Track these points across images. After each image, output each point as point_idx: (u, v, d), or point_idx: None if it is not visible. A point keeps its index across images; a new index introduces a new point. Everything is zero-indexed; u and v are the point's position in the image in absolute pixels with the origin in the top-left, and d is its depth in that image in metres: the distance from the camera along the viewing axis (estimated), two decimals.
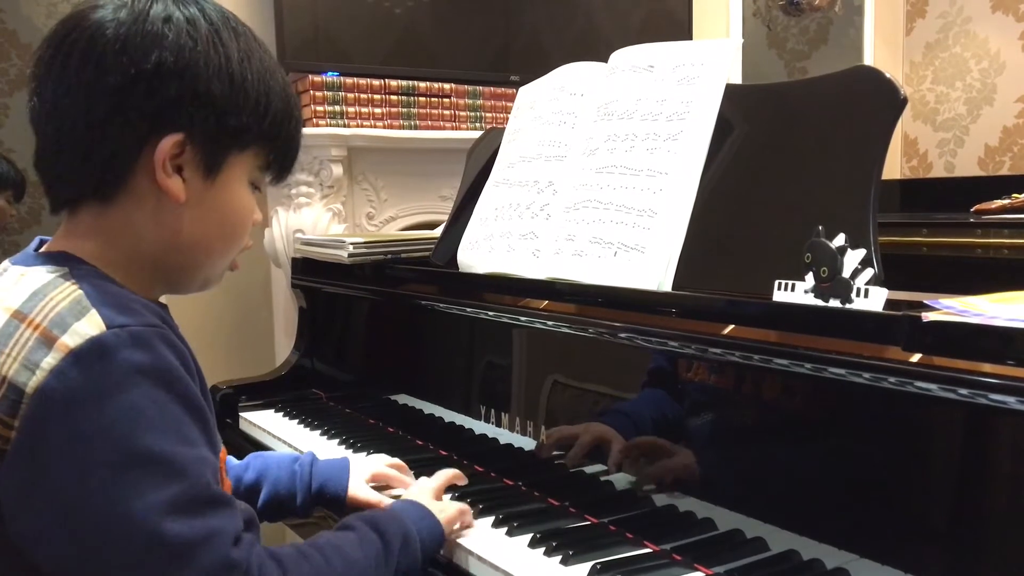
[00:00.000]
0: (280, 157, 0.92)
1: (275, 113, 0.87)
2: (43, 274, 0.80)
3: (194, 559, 0.73)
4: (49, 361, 0.73)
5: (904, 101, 0.98)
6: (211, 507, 0.76)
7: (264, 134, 0.88)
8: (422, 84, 2.54)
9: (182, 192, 0.83)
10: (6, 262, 0.87)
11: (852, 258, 0.86)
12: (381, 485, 1.20)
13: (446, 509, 1.03)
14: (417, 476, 1.21)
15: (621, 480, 1.09)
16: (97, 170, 0.81)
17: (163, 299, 0.91)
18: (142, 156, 0.81)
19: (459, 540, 1.02)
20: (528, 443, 1.23)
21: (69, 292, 0.77)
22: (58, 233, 0.86)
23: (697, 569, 0.92)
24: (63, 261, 0.82)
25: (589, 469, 1.13)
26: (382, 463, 1.22)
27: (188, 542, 0.73)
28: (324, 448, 1.40)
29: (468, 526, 1.05)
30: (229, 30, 0.85)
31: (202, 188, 0.85)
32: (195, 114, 0.82)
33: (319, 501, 1.16)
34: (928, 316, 0.77)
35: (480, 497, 1.12)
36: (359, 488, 1.16)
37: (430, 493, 1.08)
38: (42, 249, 0.86)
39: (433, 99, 2.56)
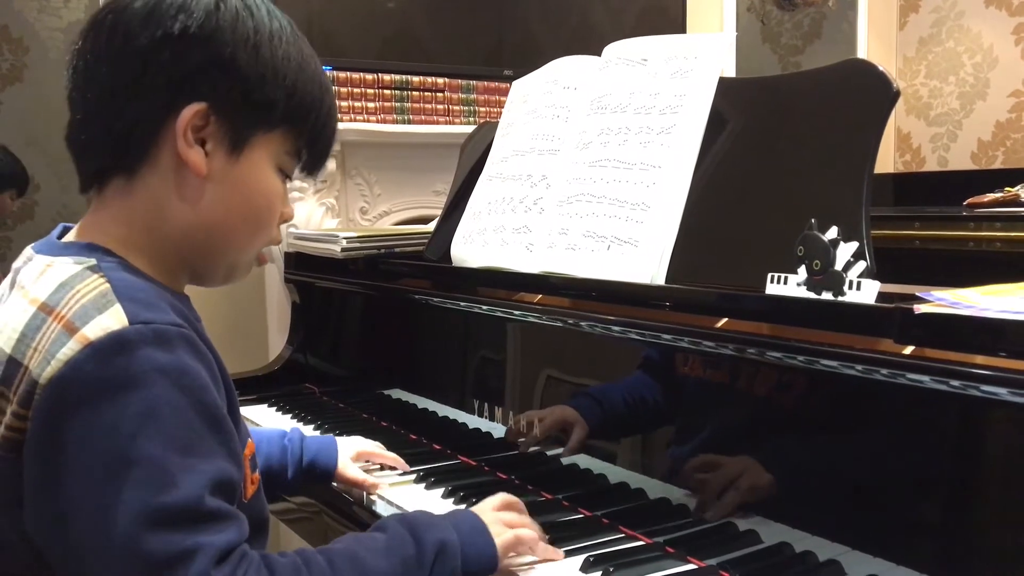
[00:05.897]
0: (310, 144, 0.89)
1: (304, 95, 0.85)
2: (70, 265, 0.78)
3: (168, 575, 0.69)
4: (66, 352, 0.71)
5: (897, 94, 0.98)
6: (198, 523, 0.71)
7: (291, 115, 0.85)
8: (415, 78, 2.54)
9: (203, 164, 0.81)
10: (28, 249, 0.85)
11: (845, 251, 0.86)
12: (370, 465, 1.22)
13: (504, 534, 0.91)
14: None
15: (615, 474, 1.09)
16: (121, 138, 0.80)
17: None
18: (166, 126, 0.80)
19: None
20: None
21: (96, 285, 0.75)
22: (84, 219, 0.85)
23: (690, 561, 0.92)
24: (90, 252, 0.80)
25: (583, 463, 1.13)
26: (363, 444, 1.23)
27: (165, 558, 0.69)
28: None
29: (524, 553, 0.93)
30: (264, 9, 0.84)
31: (226, 164, 0.82)
32: (219, 83, 0.80)
33: (309, 476, 1.17)
34: (920, 308, 0.77)
35: (473, 491, 1.12)
36: (347, 466, 1.18)
37: (491, 509, 0.95)
38: (68, 237, 0.85)
39: (427, 93, 2.56)
